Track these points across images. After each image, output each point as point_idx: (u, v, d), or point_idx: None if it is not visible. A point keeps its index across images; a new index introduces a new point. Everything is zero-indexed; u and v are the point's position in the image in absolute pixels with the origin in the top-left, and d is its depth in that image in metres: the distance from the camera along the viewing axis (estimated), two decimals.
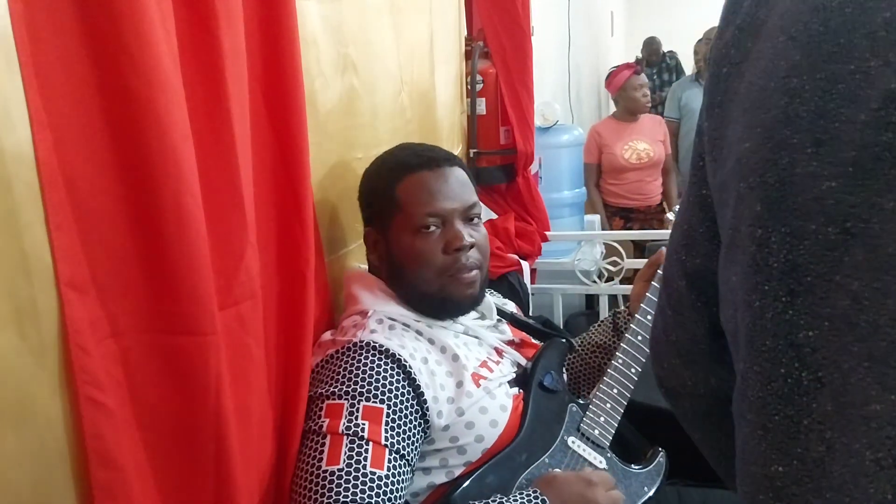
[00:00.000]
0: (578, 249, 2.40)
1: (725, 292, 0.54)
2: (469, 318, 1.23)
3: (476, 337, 1.19)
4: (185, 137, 0.73)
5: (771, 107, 0.47)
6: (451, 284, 1.14)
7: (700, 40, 5.08)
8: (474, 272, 1.16)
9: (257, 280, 0.89)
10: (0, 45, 0.61)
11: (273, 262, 0.98)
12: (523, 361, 1.23)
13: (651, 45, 6.35)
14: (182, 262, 0.73)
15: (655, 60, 6.27)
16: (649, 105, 3.67)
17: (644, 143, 3.61)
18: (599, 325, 1.41)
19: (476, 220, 1.19)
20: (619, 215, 3.70)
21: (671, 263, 0.64)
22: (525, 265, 2.18)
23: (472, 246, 1.15)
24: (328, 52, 1.24)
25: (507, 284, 2.05)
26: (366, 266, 1.28)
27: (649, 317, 1.26)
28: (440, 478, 1.07)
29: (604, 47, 6.85)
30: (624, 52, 6.91)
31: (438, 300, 1.15)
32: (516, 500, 0.98)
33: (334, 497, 0.91)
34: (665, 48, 6.33)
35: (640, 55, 6.37)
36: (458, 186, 1.17)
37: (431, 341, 1.12)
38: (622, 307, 1.51)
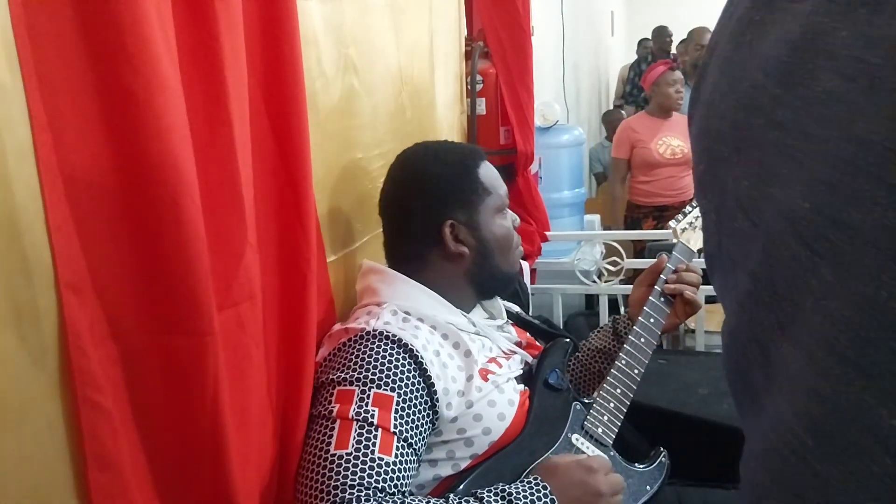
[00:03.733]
0: (578, 249, 2.41)
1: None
2: (480, 318, 1.24)
3: (486, 336, 1.21)
4: (185, 138, 0.73)
5: (709, 128, 0.52)
6: (516, 259, 1.26)
7: (683, 41, 5.09)
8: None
9: (257, 281, 0.89)
10: (0, 46, 0.61)
11: (274, 263, 0.98)
12: (531, 360, 1.25)
13: (661, 34, 6.27)
14: (181, 263, 0.73)
15: (666, 51, 6.20)
16: (682, 101, 3.59)
17: (678, 139, 3.50)
18: (600, 331, 1.43)
19: None
20: (651, 216, 3.57)
21: None
22: (525, 265, 2.18)
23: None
24: (329, 52, 1.24)
25: None
26: (373, 262, 1.27)
27: (652, 320, 1.29)
28: (446, 470, 1.08)
29: (604, 47, 6.86)
30: (624, 51, 6.92)
31: (509, 276, 1.26)
32: (518, 488, 0.98)
33: (341, 481, 0.92)
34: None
35: (649, 46, 6.31)
36: None
37: (445, 336, 1.13)
38: (622, 308, 1.51)
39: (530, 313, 2.18)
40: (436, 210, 1.18)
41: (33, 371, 0.64)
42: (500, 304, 1.31)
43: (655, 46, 6.21)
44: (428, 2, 1.76)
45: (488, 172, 1.22)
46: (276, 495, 0.98)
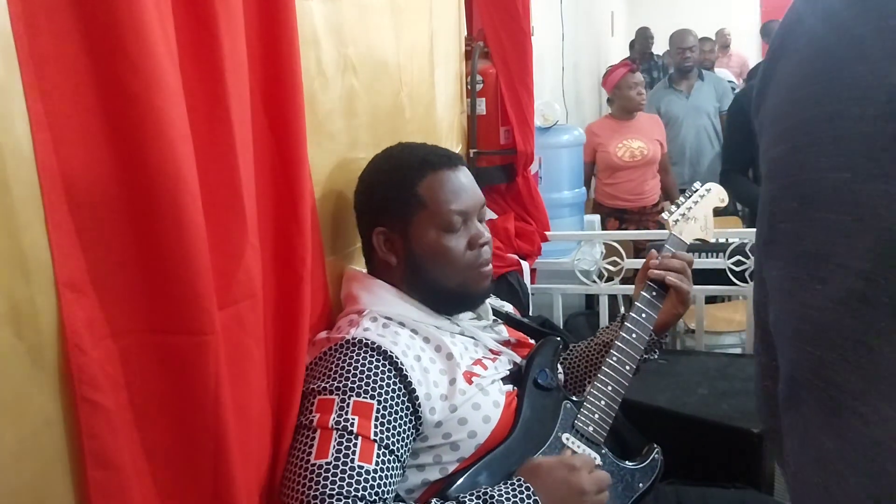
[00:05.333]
0: (578, 249, 2.41)
1: (770, 290, 0.59)
2: (465, 319, 1.24)
3: (472, 337, 1.20)
4: (184, 137, 0.73)
5: (794, 114, 0.52)
6: (473, 278, 1.19)
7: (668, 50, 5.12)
8: (490, 266, 1.23)
9: (257, 280, 0.89)
10: None
11: (270, 262, 0.98)
12: (519, 360, 1.24)
13: (644, 35, 6.28)
14: (181, 261, 0.73)
15: (648, 52, 6.19)
16: (644, 103, 3.64)
17: (639, 141, 3.58)
18: (608, 327, 1.42)
19: (484, 217, 1.25)
20: (613, 216, 3.68)
21: (756, 313, 0.68)
22: (525, 265, 2.19)
23: (487, 242, 1.22)
24: (328, 52, 1.24)
25: (507, 284, 2.05)
26: (355, 268, 1.28)
27: (644, 315, 1.28)
28: (434, 474, 1.07)
29: (604, 47, 6.85)
30: (624, 51, 6.91)
31: (459, 294, 1.20)
32: (502, 490, 0.98)
33: (321, 490, 0.92)
34: (662, 48, 6.29)
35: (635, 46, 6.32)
36: (473, 185, 1.23)
37: (427, 340, 1.13)
38: (622, 308, 1.50)
39: (530, 313, 2.18)
40: (370, 215, 1.21)
41: (31, 369, 0.64)
42: (487, 304, 1.29)
43: (638, 49, 6.21)
44: (428, 2, 1.76)
45: (436, 185, 1.16)
46: (275, 494, 0.98)
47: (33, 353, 0.64)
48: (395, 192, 1.18)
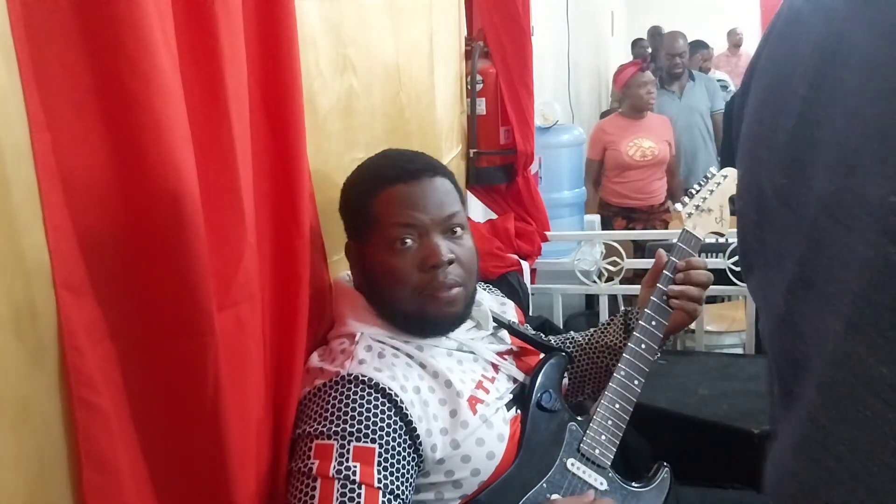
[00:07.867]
0: (578, 249, 2.41)
1: (754, 295, 0.62)
2: (462, 331, 1.15)
3: (470, 352, 1.13)
4: (184, 139, 0.73)
5: (789, 111, 0.55)
6: (430, 303, 1.06)
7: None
8: (455, 290, 1.07)
9: (256, 282, 0.89)
10: None
11: (269, 264, 0.98)
12: (520, 376, 1.17)
13: (654, 34, 6.26)
14: (180, 263, 0.73)
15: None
16: (653, 102, 3.64)
17: (650, 140, 3.58)
18: (609, 326, 1.34)
19: (459, 231, 1.09)
20: (621, 215, 3.68)
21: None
22: (525, 265, 2.19)
23: (451, 262, 1.06)
24: (327, 52, 1.23)
25: (507, 284, 2.05)
26: (341, 280, 1.23)
27: (654, 322, 1.21)
28: None
29: (604, 47, 6.86)
30: (624, 51, 6.92)
31: (418, 320, 1.08)
32: None
33: None
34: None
35: (647, 49, 6.30)
36: (438, 197, 1.08)
37: (423, 365, 1.06)
38: (622, 308, 1.49)
39: (530, 313, 2.17)
40: (346, 227, 1.16)
41: (31, 370, 0.64)
42: (486, 310, 1.20)
43: (653, 49, 6.19)
44: (427, 1, 1.76)
45: (387, 200, 1.06)
46: (272, 496, 0.97)
47: (34, 354, 0.64)
48: (354, 207, 1.13)
